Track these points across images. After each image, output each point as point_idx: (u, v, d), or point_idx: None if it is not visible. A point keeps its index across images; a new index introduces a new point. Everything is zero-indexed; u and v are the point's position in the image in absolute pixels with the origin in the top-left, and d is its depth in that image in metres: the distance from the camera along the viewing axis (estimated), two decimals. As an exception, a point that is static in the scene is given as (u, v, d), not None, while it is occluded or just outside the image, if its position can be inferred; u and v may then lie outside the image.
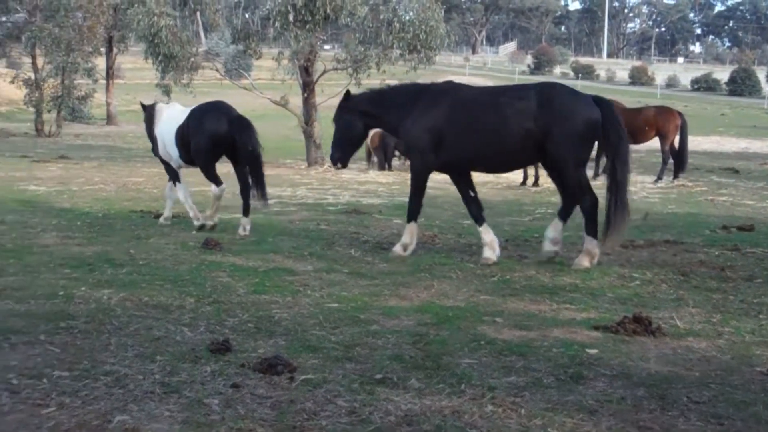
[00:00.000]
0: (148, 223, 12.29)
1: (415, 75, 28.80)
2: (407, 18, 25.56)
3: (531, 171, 19.86)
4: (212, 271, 9.03)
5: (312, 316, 7.23)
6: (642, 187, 19.99)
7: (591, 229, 9.83)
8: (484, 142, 9.93)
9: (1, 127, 41.34)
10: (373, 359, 6.05)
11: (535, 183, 19.61)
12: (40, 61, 37.91)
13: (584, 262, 9.73)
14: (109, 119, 44.85)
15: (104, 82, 40.19)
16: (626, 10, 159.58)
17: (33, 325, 6.70)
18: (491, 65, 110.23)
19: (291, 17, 24.56)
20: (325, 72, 26.31)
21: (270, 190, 16.78)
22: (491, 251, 10.06)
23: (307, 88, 25.64)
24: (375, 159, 23.56)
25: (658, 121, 21.10)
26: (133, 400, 5.14)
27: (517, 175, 21.18)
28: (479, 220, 10.36)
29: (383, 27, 25.27)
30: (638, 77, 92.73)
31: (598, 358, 6.22)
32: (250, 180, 11.74)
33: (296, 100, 26.45)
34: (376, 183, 19.81)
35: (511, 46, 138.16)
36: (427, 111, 10.19)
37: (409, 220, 10.45)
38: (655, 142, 21.86)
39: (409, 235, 10.40)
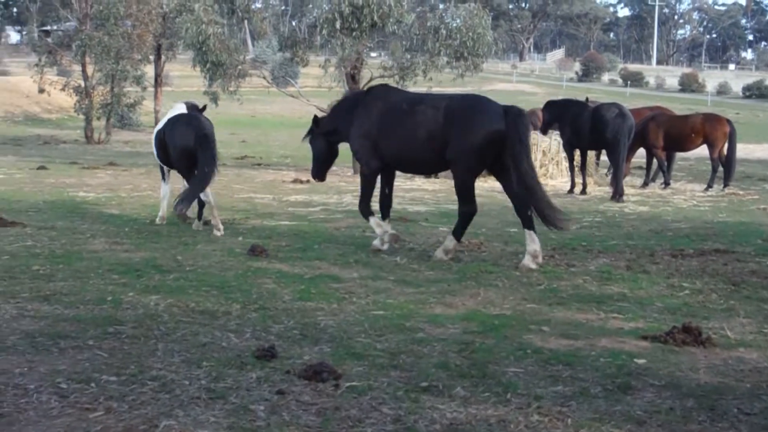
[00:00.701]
0: (194, 230, 12.36)
1: (462, 82, 28.82)
2: (454, 25, 25.54)
3: (578, 179, 19.70)
4: (258, 277, 9.06)
5: (357, 324, 7.22)
6: (692, 195, 19.75)
7: (458, 231, 10.58)
8: (402, 146, 10.69)
9: (51, 134, 41.94)
10: (418, 367, 6.03)
11: (583, 191, 19.45)
12: (89, 69, 38.38)
13: (439, 254, 10.49)
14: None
15: (153, 89, 40.58)
16: (676, 17, 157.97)
17: (82, 329, 6.77)
18: (539, 72, 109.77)
19: (338, 25, 24.63)
20: (372, 79, 26.33)
21: (316, 197, 16.89)
22: (381, 242, 11.04)
23: (354, 95, 25.67)
24: (421, 166, 23.52)
25: (706, 128, 20.82)
26: (180, 405, 5.17)
27: (564, 183, 21.05)
28: (384, 215, 11.37)
29: (430, 34, 25.25)
30: (688, 84, 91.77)
31: (647, 368, 6.14)
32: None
33: (343, 108, 26.47)
34: (422, 190, 19.79)
35: (558, 53, 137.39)
36: (363, 118, 11.02)
37: (366, 217, 11.38)
38: (705, 150, 21.58)
39: (377, 225, 11.23)
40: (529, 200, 10.18)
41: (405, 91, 11.70)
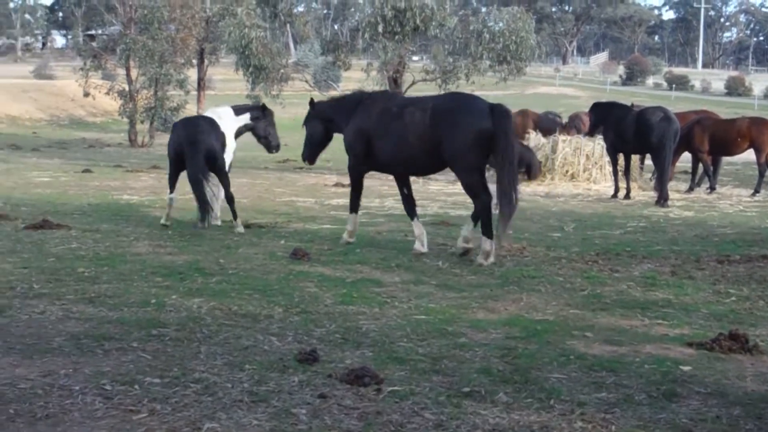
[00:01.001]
0: (237, 233, 12.41)
1: (504, 85, 28.73)
2: (497, 29, 25.49)
3: (622, 183, 19.54)
4: (300, 281, 9.08)
5: (399, 328, 7.21)
6: (738, 200, 19.51)
7: (486, 230, 10.52)
8: (395, 147, 10.97)
9: (96, 138, 42.45)
10: (460, 372, 6.00)
11: (627, 196, 19.28)
12: (134, 73, 38.76)
13: (481, 260, 10.43)
14: (201, 130, 45.51)
15: (196, 93, 40.87)
16: (722, 19, 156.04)
17: (126, 332, 6.83)
18: (582, 76, 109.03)
19: (380, 28, 24.69)
20: (414, 83, 26.35)
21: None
22: (420, 244, 11.19)
23: (396, 99, 25.68)
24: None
25: (752, 132, 20.53)
26: (222, 408, 5.18)
27: (608, 188, 20.90)
28: (411, 215, 11.53)
29: (473, 38, 25.24)
30: (735, 88, 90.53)
31: (692, 376, 6.06)
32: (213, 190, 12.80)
33: (385, 111, 26.50)
34: (464, 194, 19.69)
35: (602, 56, 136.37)
36: (360, 117, 11.36)
37: (350, 212, 11.80)
38: (752, 155, 21.30)
39: (352, 223, 11.77)
40: (500, 200, 10.42)
41: (401, 96, 12.11)
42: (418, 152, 10.75)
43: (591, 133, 21.46)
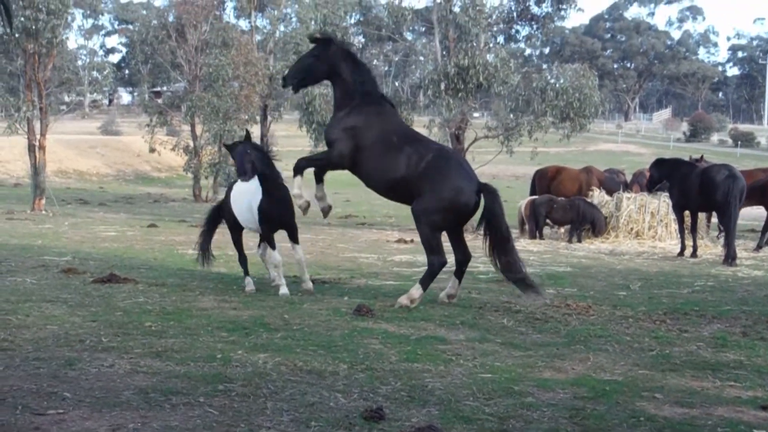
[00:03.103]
0: (301, 289, 12.44)
1: (566, 143, 28.66)
2: (558, 85, 25.51)
3: (689, 241, 19.27)
4: (364, 337, 9.06)
5: (465, 387, 7.14)
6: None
7: (425, 281, 11.29)
8: (376, 166, 11.42)
9: (161, 193, 43.11)
10: (528, 433, 5.91)
11: (693, 254, 19.00)
12: (198, 129, 39.42)
13: (403, 300, 11.08)
14: (264, 185, 46.03)
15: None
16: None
17: (192, 386, 6.85)
18: (644, 132, 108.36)
19: (443, 86, 24.83)
20: (476, 140, 26.39)
21: (420, 258, 16.83)
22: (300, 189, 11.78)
23: (458, 155, 25.74)
24: (527, 227, 23.34)
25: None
26: (289, 465, 5.16)
27: (674, 246, 20.62)
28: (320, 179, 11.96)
29: (536, 95, 25.26)
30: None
31: (768, 441, 5.90)
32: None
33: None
34: (527, 251, 19.56)
35: (665, 113, 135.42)
36: (355, 117, 11.51)
37: (299, 171, 11.78)
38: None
39: (298, 187, 11.81)
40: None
41: (403, 123, 12.47)
42: (395, 184, 11.31)
43: (650, 190, 21.23)
